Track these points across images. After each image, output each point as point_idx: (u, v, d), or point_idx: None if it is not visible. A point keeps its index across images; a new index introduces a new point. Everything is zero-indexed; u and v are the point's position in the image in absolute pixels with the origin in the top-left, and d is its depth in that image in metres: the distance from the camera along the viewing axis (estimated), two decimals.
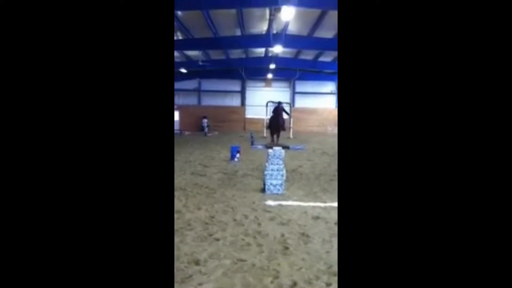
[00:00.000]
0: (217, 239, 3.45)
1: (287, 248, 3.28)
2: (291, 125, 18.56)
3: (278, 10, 10.59)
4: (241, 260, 2.96)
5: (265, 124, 19.75)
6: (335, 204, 4.91)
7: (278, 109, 13.51)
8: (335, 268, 2.85)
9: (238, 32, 14.17)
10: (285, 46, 14.58)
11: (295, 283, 2.59)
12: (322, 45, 15.25)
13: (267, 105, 19.95)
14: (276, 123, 13.29)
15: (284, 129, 13.74)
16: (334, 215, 4.35)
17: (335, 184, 6.40)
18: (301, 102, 24.78)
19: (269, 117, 20.77)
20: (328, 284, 2.59)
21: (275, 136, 13.52)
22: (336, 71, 22.40)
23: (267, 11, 11.98)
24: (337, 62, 20.38)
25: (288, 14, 9.96)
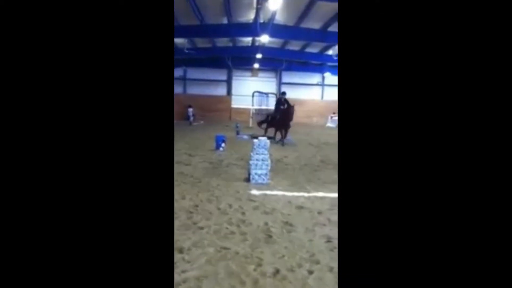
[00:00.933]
0: (201, 228, 3.46)
1: (270, 236, 3.31)
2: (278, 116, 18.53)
3: None
4: (225, 248, 2.98)
5: (251, 115, 19.70)
6: (319, 194, 4.98)
7: (283, 101, 11.45)
8: (317, 256, 2.90)
9: (224, 20, 14.01)
10: (272, 35, 14.51)
11: (277, 271, 2.63)
12: (309, 36, 15.24)
13: (253, 95, 19.89)
14: (286, 119, 10.97)
15: (290, 126, 11.27)
16: (318, 205, 4.41)
17: (319, 174, 6.47)
18: (288, 93, 24.74)
19: (256, 107, 20.75)
20: (310, 272, 2.63)
21: (278, 132, 11.41)
22: (323, 62, 22.55)
23: (255, 0, 11.87)
24: (323, 54, 20.37)
25: (275, 3, 9.90)
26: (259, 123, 13.16)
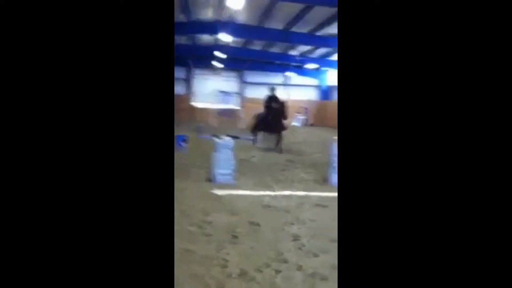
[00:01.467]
0: None
1: (236, 237, 3.18)
2: (242, 116, 18.51)
3: None
4: (189, 251, 2.81)
5: (212, 114, 19.47)
6: (286, 193, 4.91)
7: (274, 99, 9.69)
8: (285, 255, 2.81)
9: (182, 18, 13.68)
10: (233, 35, 14.42)
11: (244, 272, 2.50)
12: (271, 36, 15.33)
13: (214, 95, 19.69)
14: (278, 119, 9.31)
15: (284, 128, 9.53)
16: (285, 203, 4.34)
17: (287, 173, 6.43)
18: (251, 93, 24.86)
19: (219, 106, 20.55)
20: (278, 271, 2.54)
21: (272, 137, 9.51)
22: (286, 62, 22.80)
23: None
24: (287, 54, 20.59)
25: (236, 2, 9.80)
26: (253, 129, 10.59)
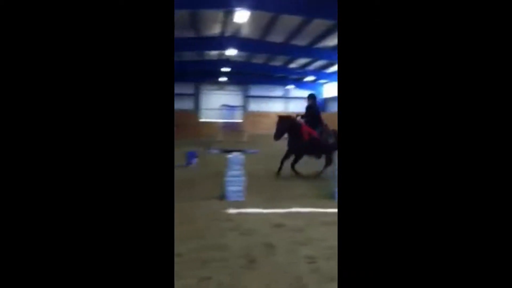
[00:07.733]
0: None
1: (252, 261, 3.16)
2: (243, 128, 18.55)
3: (232, 12, 10.53)
4: (207, 278, 2.80)
5: (218, 128, 19.47)
6: (295, 210, 4.89)
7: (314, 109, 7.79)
8: (305, 279, 2.79)
9: (190, 34, 13.88)
10: (238, 49, 14.59)
11: None
12: (273, 49, 15.49)
13: (220, 109, 19.81)
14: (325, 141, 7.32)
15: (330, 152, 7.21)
16: (296, 222, 4.32)
17: (293, 190, 6.40)
18: (253, 106, 25.04)
19: (224, 120, 20.58)
20: None
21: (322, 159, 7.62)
22: (286, 75, 22.96)
23: (221, 14, 11.88)
24: (287, 67, 20.80)
25: (242, 17, 9.94)
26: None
